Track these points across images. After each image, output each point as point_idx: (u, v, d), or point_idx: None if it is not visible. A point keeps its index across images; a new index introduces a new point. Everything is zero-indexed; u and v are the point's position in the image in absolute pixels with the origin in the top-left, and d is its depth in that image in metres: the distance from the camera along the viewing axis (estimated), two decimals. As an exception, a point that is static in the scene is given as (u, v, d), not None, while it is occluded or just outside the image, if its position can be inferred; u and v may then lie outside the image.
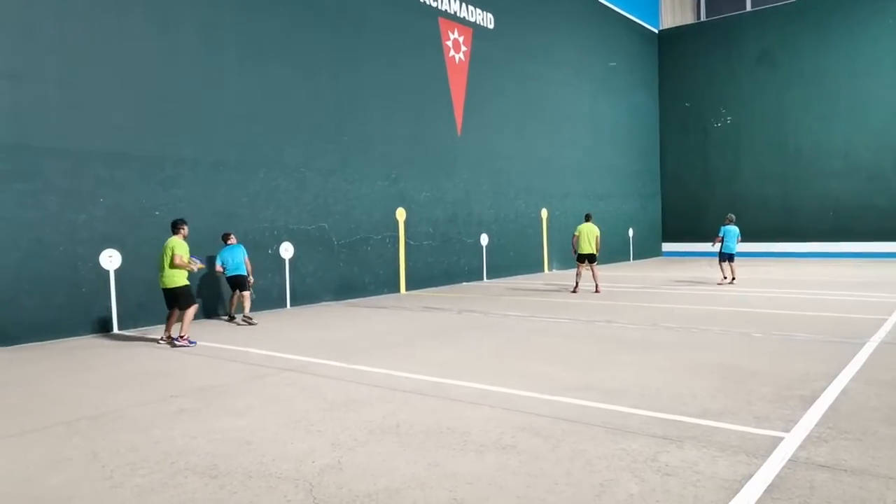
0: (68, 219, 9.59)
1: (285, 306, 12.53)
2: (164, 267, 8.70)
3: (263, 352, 8.00)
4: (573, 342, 8.19)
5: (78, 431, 4.93)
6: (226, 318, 11.16)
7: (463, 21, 17.03)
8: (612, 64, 23.75)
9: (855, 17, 23.24)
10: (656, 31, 27.45)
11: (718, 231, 15.77)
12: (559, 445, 4.32)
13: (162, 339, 8.89)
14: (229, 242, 10.70)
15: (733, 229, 15.43)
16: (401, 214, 14.99)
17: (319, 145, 13.24)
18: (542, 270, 19.97)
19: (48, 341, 9.19)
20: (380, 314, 11.41)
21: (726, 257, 15.22)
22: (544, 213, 20.05)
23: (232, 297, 10.96)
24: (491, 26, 18.03)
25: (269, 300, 12.23)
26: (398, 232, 14.95)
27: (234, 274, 10.59)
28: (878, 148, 22.84)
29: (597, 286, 14.20)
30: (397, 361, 7.19)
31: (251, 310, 10.68)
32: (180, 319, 8.73)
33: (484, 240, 17.55)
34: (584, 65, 22.28)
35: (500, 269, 18.07)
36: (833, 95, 23.66)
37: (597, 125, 23.00)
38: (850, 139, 23.37)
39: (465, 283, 16.67)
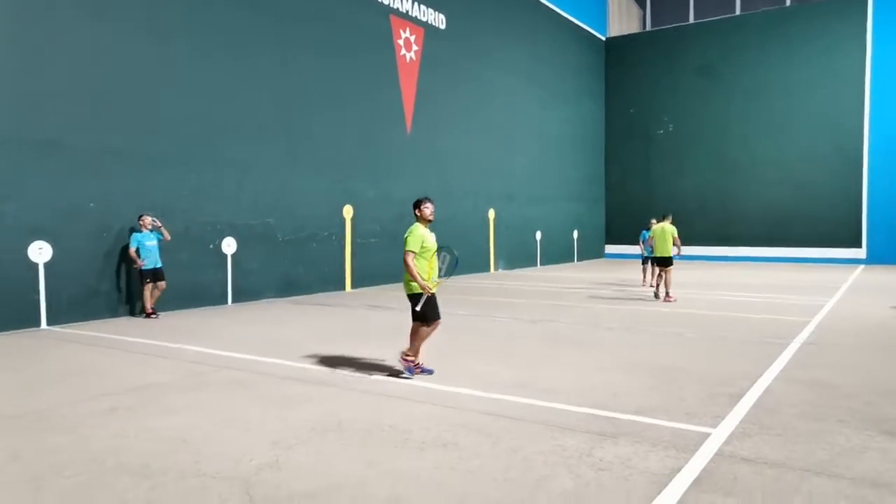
0: (-6, 209, 9.14)
1: (226, 303, 12.26)
2: None
3: (202, 349, 7.82)
4: (515, 341, 8.32)
5: None
6: (142, 316, 10.55)
7: (415, 20, 17.03)
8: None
9: (791, 36, 24.39)
10: (604, 39, 28.10)
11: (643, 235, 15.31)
12: (498, 442, 4.39)
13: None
14: (144, 228, 10.37)
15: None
16: (348, 212, 14.88)
17: (266, 140, 13.01)
18: (489, 270, 20.17)
19: (-30, 337, 8.74)
20: (324, 311, 11.30)
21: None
22: (491, 213, 20.25)
23: (144, 290, 10.48)
24: (443, 27, 18.09)
25: (209, 296, 11.94)
26: (345, 229, 14.83)
27: (154, 267, 10.37)
28: (808, 159, 24.04)
29: (668, 293, 12.66)
30: (340, 359, 7.14)
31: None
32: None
33: (431, 239, 17.57)
34: (534, 69, 22.62)
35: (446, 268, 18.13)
36: (769, 108, 24.77)
37: (544, 128, 23.39)
38: (783, 150, 24.52)
39: (411, 282, 16.66)
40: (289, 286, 13.47)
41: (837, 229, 23.61)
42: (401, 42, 16.51)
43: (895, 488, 3.59)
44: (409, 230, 6.39)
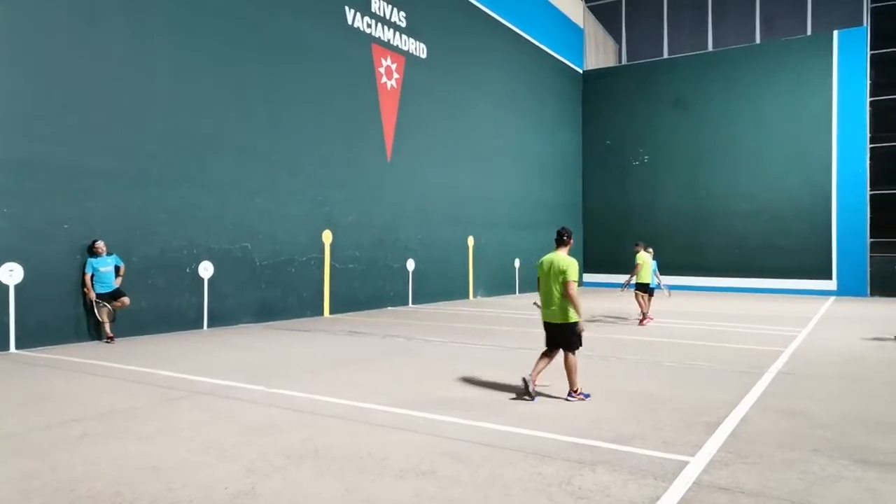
0: (-35, 229, 8.95)
1: (202, 327, 12.07)
2: None
3: (176, 374, 7.67)
4: (495, 368, 8.31)
5: (-36, 458, 4.56)
6: (105, 340, 10.17)
7: (396, 49, 17.26)
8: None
9: (760, 72, 25.17)
10: (581, 72, 28.71)
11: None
12: (477, 470, 4.36)
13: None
14: (99, 253, 10.13)
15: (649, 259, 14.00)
16: (327, 237, 14.84)
17: (246, 164, 12.98)
18: (468, 297, 20.18)
19: (-67, 360, 8.47)
20: (302, 337, 11.19)
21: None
22: (470, 240, 20.35)
23: (99, 316, 10.13)
24: (423, 56, 18.34)
25: (184, 321, 11.76)
26: (324, 254, 14.78)
27: (107, 291, 10.15)
28: (777, 191, 24.65)
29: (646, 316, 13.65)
30: (318, 385, 7.06)
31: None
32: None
33: (410, 265, 17.59)
34: (513, 98, 23.00)
35: (425, 294, 18.13)
36: (739, 141, 25.43)
37: (523, 157, 23.70)
38: (753, 182, 25.11)
39: (390, 308, 16.61)
40: (266, 311, 13.34)
41: (808, 261, 24.13)
42: (382, 70, 16.70)
43: (869, 517, 3.64)
44: (570, 260, 6.59)
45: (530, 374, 6.53)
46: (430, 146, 18.64)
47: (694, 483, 4.15)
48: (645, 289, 13.82)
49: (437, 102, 18.95)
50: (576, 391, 6.46)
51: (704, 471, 4.39)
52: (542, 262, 6.82)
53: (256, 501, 3.78)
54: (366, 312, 15.53)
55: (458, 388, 7.04)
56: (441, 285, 18.94)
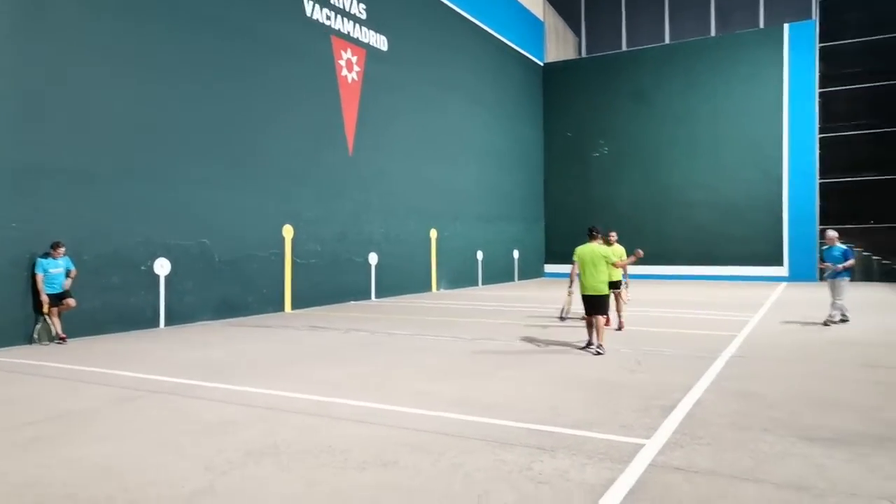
0: None
1: (158, 326, 11.82)
2: None
3: (131, 373, 7.51)
4: (457, 359, 8.36)
5: None
6: (57, 341, 9.87)
7: (356, 41, 17.11)
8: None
9: (716, 64, 25.75)
10: (542, 64, 28.92)
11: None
12: (440, 459, 4.39)
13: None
14: (55, 256, 9.85)
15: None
16: (288, 232, 14.67)
17: (203, 158, 12.73)
18: (430, 290, 20.21)
19: None
20: (263, 333, 11.06)
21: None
22: (433, 233, 20.36)
23: (50, 314, 9.86)
24: (384, 48, 18.23)
25: (140, 320, 11.49)
26: (285, 249, 14.61)
27: (57, 293, 9.86)
28: (733, 181, 25.30)
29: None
30: (279, 381, 7.00)
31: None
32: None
33: (373, 259, 17.52)
34: (475, 91, 23.04)
35: (388, 288, 18.09)
36: (697, 132, 26.00)
37: (486, 150, 23.79)
38: (710, 173, 25.72)
39: (352, 302, 16.53)
40: (226, 308, 13.13)
41: (761, 248, 24.87)
42: (342, 62, 16.54)
43: (814, 492, 3.80)
44: (607, 248, 9.00)
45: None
46: (393, 139, 18.56)
47: (650, 464, 4.26)
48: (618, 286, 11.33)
49: (398, 96, 18.86)
50: (601, 345, 8.60)
51: (660, 452, 4.51)
52: (582, 252, 8.88)
53: (215, 499, 3.74)
54: (328, 307, 15.42)
55: (421, 381, 7.06)
56: (404, 279, 18.92)
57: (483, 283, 23.24)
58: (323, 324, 12.24)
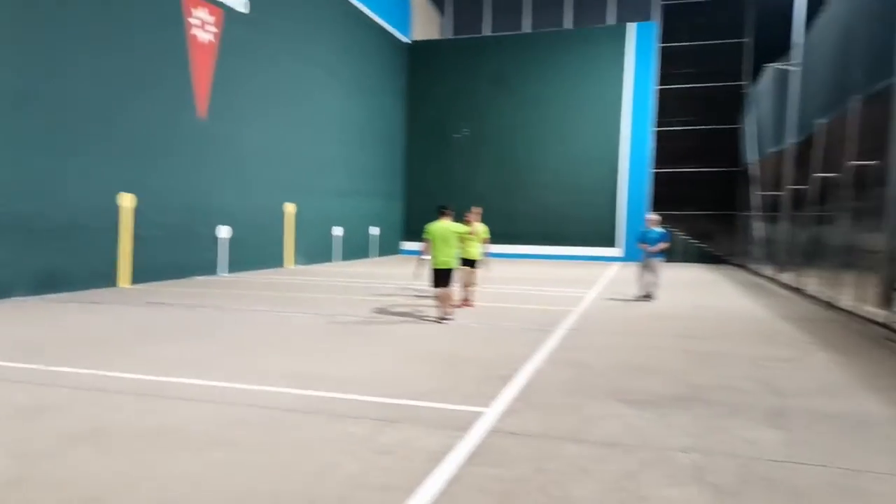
0: None
1: (-34, 302, 10.44)
2: None
3: (-72, 356, 6.58)
4: (308, 335, 8.24)
5: None
6: None
7: (212, 0, 15.97)
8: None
9: (568, 55, 27.29)
10: (407, 42, 28.87)
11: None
12: (282, 436, 4.33)
13: None
14: None
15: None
16: (127, 200, 13.50)
17: (23, 114, 11.30)
18: (286, 265, 19.67)
19: None
20: (93, 310, 10.15)
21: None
22: (290, 207, 19.77)
23: None
24: (245, 11, 17.21)
25: (-59, 295, 10.07)
26: (121, 219, 13.44)
27: None
28: (577, 166, 27.12)
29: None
30: (109, 361, 6.48)
31: None
32: None
33: (223, 232, 16.66)
34: (338, 64, 22.52)
35: (241, 263, 17.34)
36: (549, 119, 27.48)
37: (347, 124, 23.41)
38: (558, 158, 27.37)
39: (199, 278, 15.65)
40: (48, 283, 11.85)
41: (600, 230, 26.99)
42: (193, 20, 15.38)
43: (625, 447, 4.23)
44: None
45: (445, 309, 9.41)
46: (250, 108, 17.67)
47: (489, 430, 4.50)
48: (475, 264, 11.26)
49: (258, 62, 17.95)
50: (448, 314, 9.41)
51: (498, 419, 4.78)
52: (433, 229, 9.50)
53: (26, 489, 3.42)
54: (172, 283, 14.47)
55: (268, 357, 6.88)
56: (258, 253, 18.22)
57: (340, 259, 23.01)
58: (165, 299, 11.48)
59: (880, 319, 9.69)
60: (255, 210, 18.00)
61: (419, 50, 29.14)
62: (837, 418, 5.02)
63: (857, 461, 4.08)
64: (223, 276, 16.40)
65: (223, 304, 11.05)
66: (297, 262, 20.17)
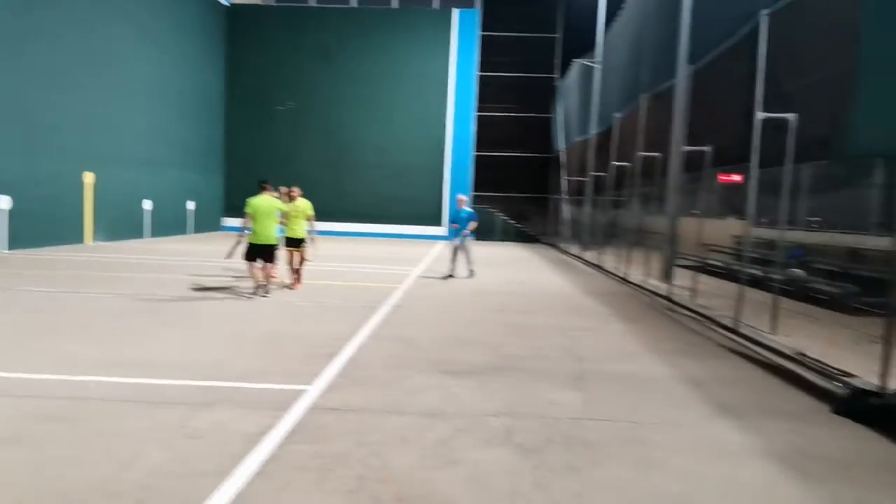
0: None
1: None
2: None
3: None
4: (112, 318, 7.52)
5: None
6: None
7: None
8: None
9: (395, 34, 27.34)
10: (227, 5, 27.03)
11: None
12: (81, 427, 3.95)
13: None
14: None
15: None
16: None
17: None
18: (86, 242, 17.66)
19: None
20: None
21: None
22: (89, 177, 17.72)
23: None
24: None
25: None
26: None
27: None
28: (404, 146, 27.50)
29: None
30: None
31: None
32: None
33: (5, 203, 14.51)
34: (146, 23, 20.46)
35: (28, 238, 15.22)
36: (375, 97, 27.42)
37: (158, 91, 21.44)
38: (385, 137, 27.50)
39: (-26, 256, 13.51)
40: None
41: (426, 209, 27.70)
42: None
43: (444, 416, 4.45)
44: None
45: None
46: (42, 64, 15.47)
47: (309, 408, 4.48)
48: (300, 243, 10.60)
49: (51, 13, 15.70)
50: (268, 288, 9.45)
51: (320, 396, 4.77)
52: (257, 203, 9.36)
53: None
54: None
55: (65, 342, 6.18)
56: (50, 228, 16.12)
57: (152, 236, 21.17)
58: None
59: (663, 292, 11.14)
60: (46, 179, 15.89)
61: (239, 14, 27.46)
62: (627, 379, 5.71)
63: (641, 415, 4.68)
64: (6, 252, 14.31)
65: (6, 283, 9.67)
66: (96, 237, 18.18)
